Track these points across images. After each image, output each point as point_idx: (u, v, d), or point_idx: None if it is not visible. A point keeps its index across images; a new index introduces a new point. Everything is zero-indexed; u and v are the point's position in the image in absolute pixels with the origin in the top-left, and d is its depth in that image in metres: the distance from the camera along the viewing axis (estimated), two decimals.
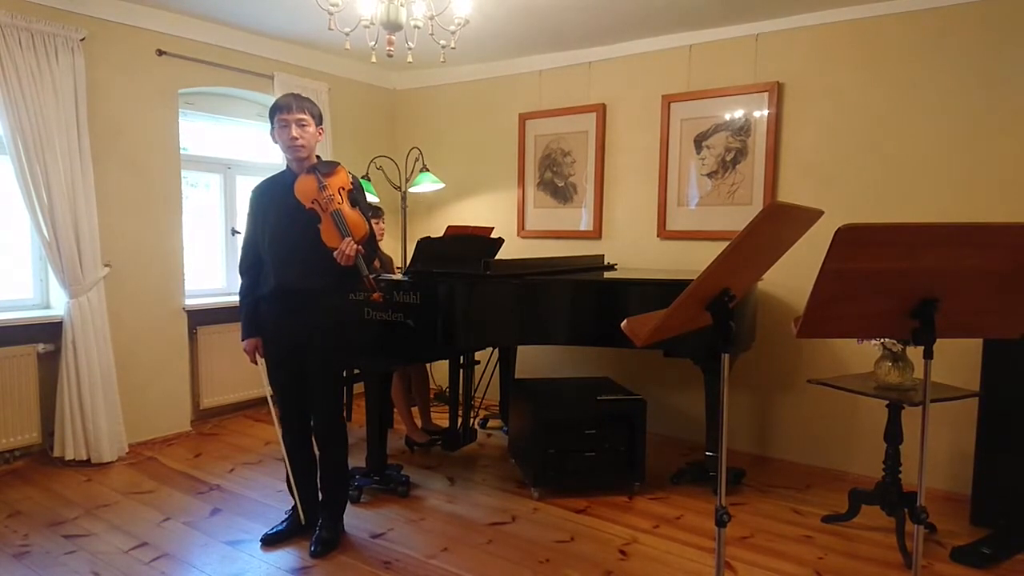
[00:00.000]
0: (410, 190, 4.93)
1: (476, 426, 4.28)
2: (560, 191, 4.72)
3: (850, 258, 1.43)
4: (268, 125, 2.64)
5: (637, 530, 2.96)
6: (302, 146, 2.58)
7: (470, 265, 3.27)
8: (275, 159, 4.33)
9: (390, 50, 2.90)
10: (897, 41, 3.48)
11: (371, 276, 2.55)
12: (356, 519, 3.00)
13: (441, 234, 3.95)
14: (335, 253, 2.50)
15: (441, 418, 4.30)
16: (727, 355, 1.59)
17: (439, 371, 5.05)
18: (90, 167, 3.58)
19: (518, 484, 3.46)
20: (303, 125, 2.57)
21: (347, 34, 2.88)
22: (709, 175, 4.08)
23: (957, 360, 3.20)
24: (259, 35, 4.34)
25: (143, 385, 3.98)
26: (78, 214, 3.52)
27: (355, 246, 2.50)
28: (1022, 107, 3.20)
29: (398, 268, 4.79)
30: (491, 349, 4.35)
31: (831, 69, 3.66)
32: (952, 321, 1.56)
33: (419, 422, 4.09)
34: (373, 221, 3.92)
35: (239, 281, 2.79)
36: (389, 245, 5.09)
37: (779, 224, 1.53)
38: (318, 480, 2.83)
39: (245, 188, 4.51)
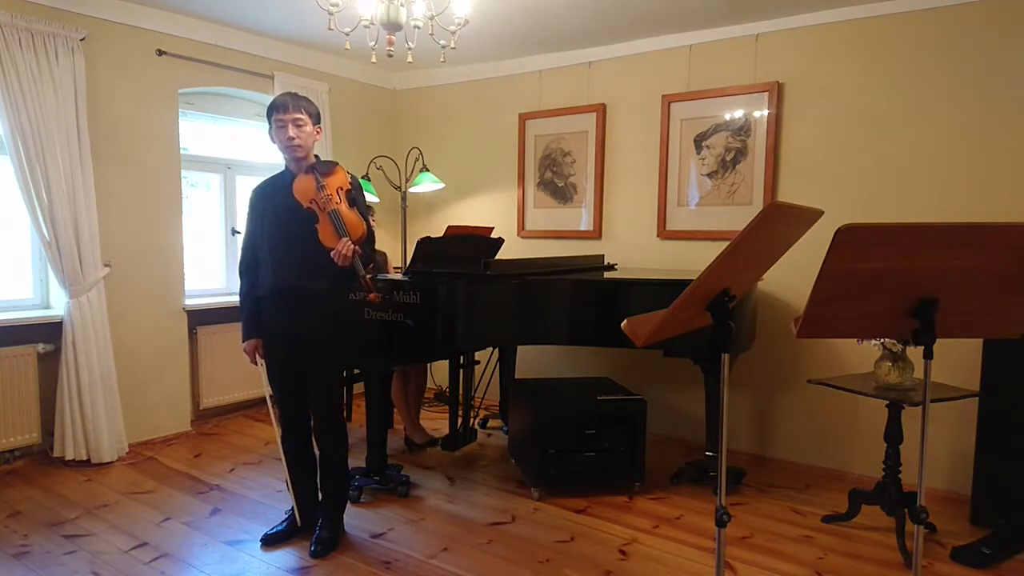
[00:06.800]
0: (410, 190, 4.93)
1: (476, 426, 4.27)
2: (560, 191, 4.71)
3: (850, 258, 1.42)
4: (268, 125, 2.63)
5: (637, 530, 2.96)
6: (299, 146, 2.58)
7: (470, 265, 3.27)
8: (275, 159, 4.32)
9: (390, 50, 2.90)
10: (897, 41, 3.47)
11: (368, 276, 2.55)
12: (356, 519, 3.00)
13: (441, 234, 3.95)
14: (332, 253, 2.50)
15: (441, 418, 4.30)
16: (727, 355, 1.60)
17: (439, 371, 5.06)
18: (90, 167, 3.58)
19: (518, 484, 3.46)
20: (300, 125, 2.57)
21: (347, 34, 2.88)
22: (709, 175, 4.08)
23: (957, 360, 3.20)
24: (259, 35, 4.34)
25: (143, 385, 3.98)
26: (78, 214, 3.52)
27: (352, 246, 2.50)
28: (1021, 107, 3.20)
29: (396, 268, 4.79)
30: (491, 349, 4.35)
31: (831, 69, 3.66)
32: (952, 321, 1.55)
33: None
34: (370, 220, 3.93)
35: (239, 281, 2.79)
36: (389, 245, 5.10)
37: (779, 224, 1.53)
38: (318, 480, 2.83)
39: (245, 188, 4.51)
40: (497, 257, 3.78)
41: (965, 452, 3.22)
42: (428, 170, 4.77)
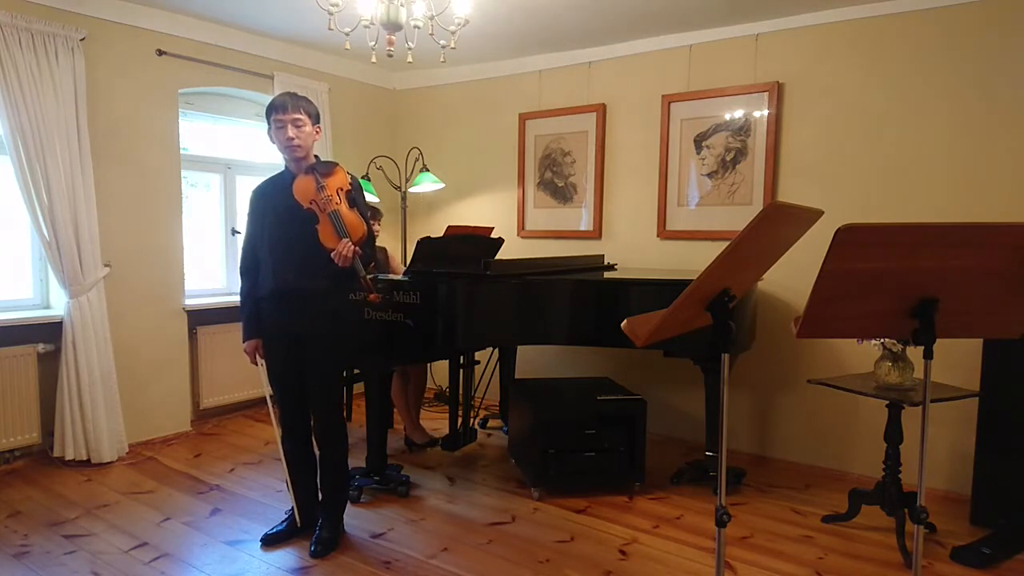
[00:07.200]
0: (410, 190, 4.94)
1: (476, 426, 4.27)
2: (560, 191, 4.71)
3: (850, 258, 1.42)
4: (267, 125, 2.63)
5: (637, 530, 2.96)
6: (298, 146, 2.58)
7: (470, 265, 3.27)
8: (275, 159, 4.32)
9: (390, 50, 2.90)
10: (897, 41, 3.47)
11: (368, 277, 2.55)
12: (356, 519, 3.00)
13: (441, 234, 3.95)
14: (332, 254, 2.50)
15: (441, 418, 4.29)
16: (727, 355, 1.59)
17: (439, 371, 5.06)
18: (90, 167, 3.58)
19: (518, 484, 3.46)
20: (299, 125, 2.57)
21: (347, 34, 2.88)
22: (709, 175, 4.08)
23: (957, 360, 3.19)
24: (259, 35, 4.34)
25: (143, 385, 3.98)
26: (78, 214, 3.52)
27: (352, 247, 2.50)
28: (1021, 107, 3.20)
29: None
30: (491, 349, 4.35)
31: (831, 69, 3.66)
32: (952, 321, 1.55)
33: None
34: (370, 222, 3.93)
35: (239, 281, 2.79)
36: (388, 245, 5.09)
37: (779, 224, 1.53)
38: (318, 480, 2.83)
39: (245, 188, 4.51)
40: (497, 257, 3.78)
41: (965, 452, 3.22)
42: (428, 170, 4.77)
